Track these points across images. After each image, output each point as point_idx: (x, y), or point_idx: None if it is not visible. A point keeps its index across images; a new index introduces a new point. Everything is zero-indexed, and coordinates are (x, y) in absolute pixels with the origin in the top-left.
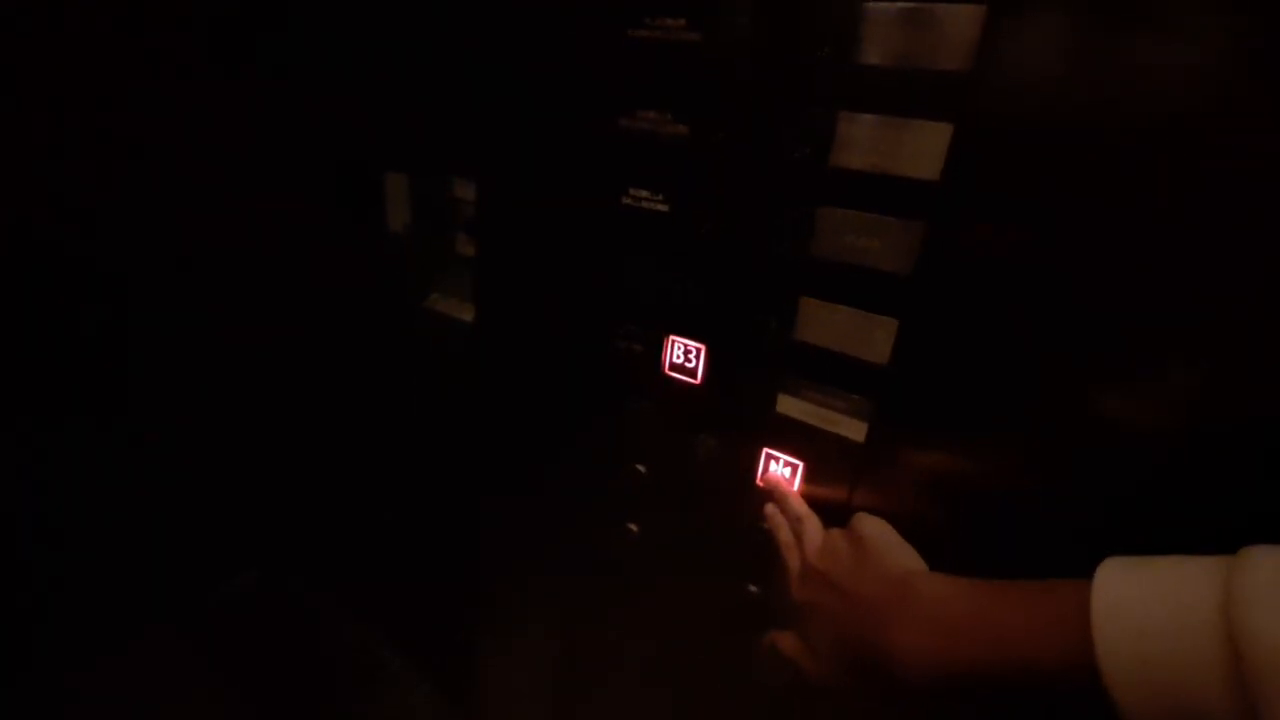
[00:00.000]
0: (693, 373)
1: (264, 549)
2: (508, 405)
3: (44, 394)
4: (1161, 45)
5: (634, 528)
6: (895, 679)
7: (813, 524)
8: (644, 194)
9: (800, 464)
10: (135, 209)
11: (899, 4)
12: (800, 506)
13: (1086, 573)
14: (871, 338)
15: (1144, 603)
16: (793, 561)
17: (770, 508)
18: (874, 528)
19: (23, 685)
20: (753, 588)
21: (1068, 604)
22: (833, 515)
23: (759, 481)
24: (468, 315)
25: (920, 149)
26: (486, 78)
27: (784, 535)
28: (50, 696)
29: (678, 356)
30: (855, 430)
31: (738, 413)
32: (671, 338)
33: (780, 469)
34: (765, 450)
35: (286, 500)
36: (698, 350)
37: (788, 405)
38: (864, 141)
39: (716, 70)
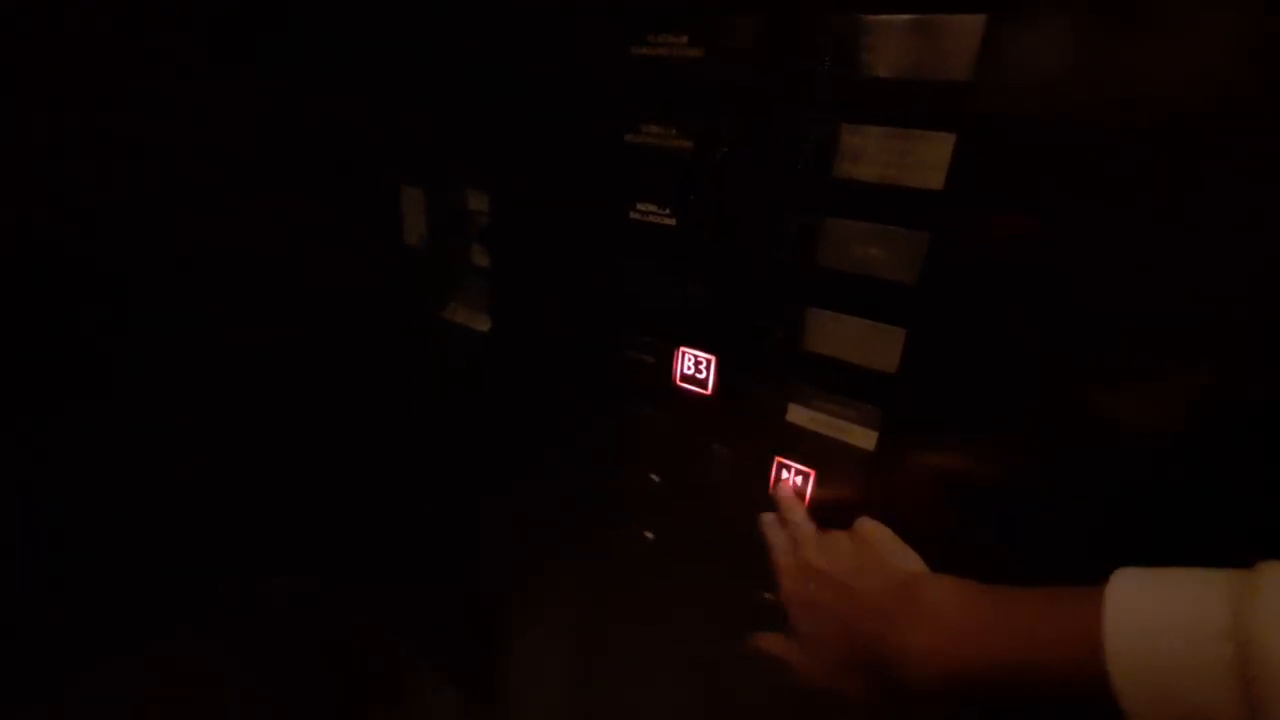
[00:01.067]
0: (703, 383)
1: (277, 551)
2: (521, 414)
3: (44, 394)
4: (1163, 50)
5: (649, 534)
6: (896, 681)
7: (809, 528)
8: (651, 208)
9: (811, 472)
10: (135, 209)
11: (900, 15)
12: (800, 514)
13: (1100, 580)
14: (880, 347)
15: (1156, 613)
16: (786, 560)
17: (767, 515)
18: (876, 531)
19: (23, 685)
20: (768, 595)
21: (1079, 611)
22: (844, 523)
23: (771, 490)
24: (484, 326)
25: (924, 159)
26: (491, 90)
27: (780, 538)
28: (52, 696)
29: (688, 368)
30: (865, 439)
31: (749, 423)
32: (682, 349)
33: (792, 477)
34: (777, 459)
35: (301, 502)
36: (708, 361)
37: (798, 415)
38: (868, 153)
39: (719, 85)
